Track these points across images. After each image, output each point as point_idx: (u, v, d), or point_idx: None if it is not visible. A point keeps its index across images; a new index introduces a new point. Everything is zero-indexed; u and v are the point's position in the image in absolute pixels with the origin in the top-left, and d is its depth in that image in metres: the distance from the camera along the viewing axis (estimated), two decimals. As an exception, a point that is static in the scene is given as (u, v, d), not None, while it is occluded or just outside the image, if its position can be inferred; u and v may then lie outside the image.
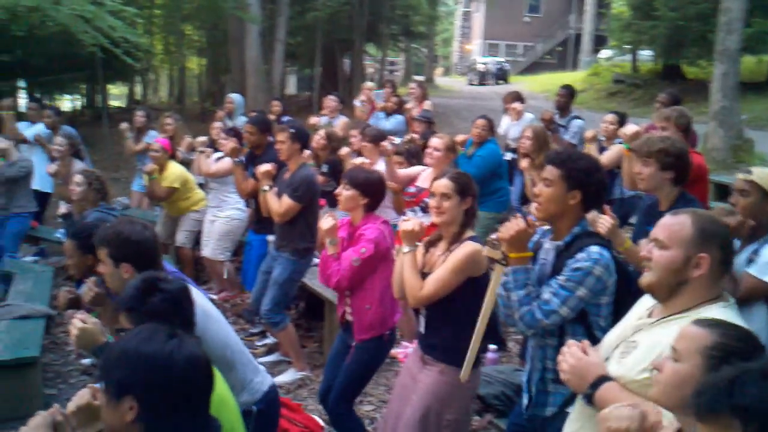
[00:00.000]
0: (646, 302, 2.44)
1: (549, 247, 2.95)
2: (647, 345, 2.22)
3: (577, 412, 2.50)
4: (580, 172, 2.84)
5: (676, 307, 2.23)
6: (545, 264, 2.93)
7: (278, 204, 5.26)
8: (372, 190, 4.03)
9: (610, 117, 6.86)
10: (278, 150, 5.42)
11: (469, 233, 3.38)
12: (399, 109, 9.12)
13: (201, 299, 2.96)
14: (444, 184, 3.41)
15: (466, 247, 3.28)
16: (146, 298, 2.35)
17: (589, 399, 2.25)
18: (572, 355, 2.32)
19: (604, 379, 2.24)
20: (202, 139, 7.15)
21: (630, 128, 4.94)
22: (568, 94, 8.46)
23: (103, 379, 1.86)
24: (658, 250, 2.25)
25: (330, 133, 6.97)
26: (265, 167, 5.35)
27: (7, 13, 11.29)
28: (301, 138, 5.43)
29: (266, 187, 5.33)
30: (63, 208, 6.20)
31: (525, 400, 3.07)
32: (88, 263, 3.68)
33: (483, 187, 6.28)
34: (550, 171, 2.88)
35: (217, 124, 8.06)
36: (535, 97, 23.96)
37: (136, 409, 1.79)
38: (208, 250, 6.98)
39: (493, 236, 3.06)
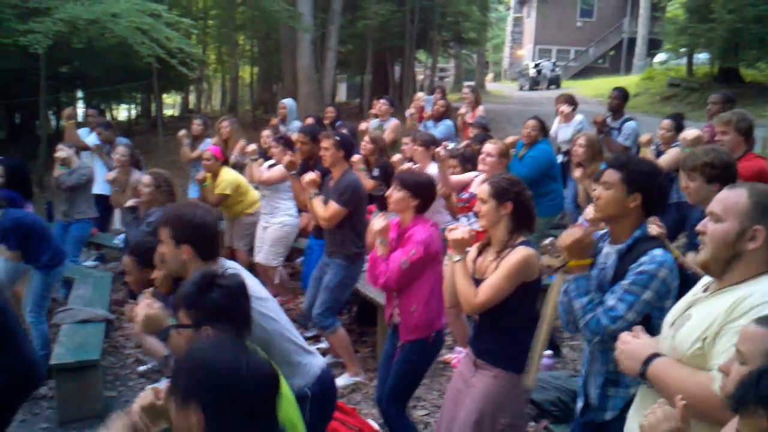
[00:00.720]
0: (701, 282, 2.43)
1: (609, 251, 2.93)
2: (701, 316, 2.21)
3: (638, 401, 2.48)
4: (640, 175, 2.83)
5: (730, 281, 2.22)
6: (605, 269, 2.91)
7: (324, 209, 5.32)
8: (422, 191, 4.05)
9: (667, 123, 6.70)
10: (322, 156, 5.49)
11: (521, 238, 3.35)
12: (446, 112, 9.11)
13: (254, 285, 3.00)
14: (481, 188, 3.45)
15: (518, 253, 3.25)
16: (205, 294, 2.39)
17: (643, 377, 2.27)
18: (624, 341, 2.33)
19: (655, 356, 2.24)
20: (253, 147, 7.24)
21: (691, 133, 4.84)
22: (621, 96, 8.27)
23: (173, 385, 1.89)
24: (713, 224, 2.24)
25: (375, 137, 6.98)
26: (310, 176, 5.42)
27: (68, 26, 11.62)
28: (346, 145, 5.48)
29: (312, 194, 5.40)
30: (131, 201, 6.36)
31: (580, 404, 3.05)
32: (146, 278, 3.81)
33: (535, 188, 6.23)
34: (610, 174, 2.87)
35: (266, 132, 8.15)
36: (587, 101, 23.64)
37: (203, 416, 1.81)
38: (261, 256, 7.06)
39: (546, 242, 3.04)
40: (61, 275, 6.25)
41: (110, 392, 5.68)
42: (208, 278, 2.43)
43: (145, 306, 2.73)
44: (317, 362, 3.22)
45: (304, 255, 6.77)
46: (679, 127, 6.59)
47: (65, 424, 5.19)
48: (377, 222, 4.01)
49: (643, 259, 2.72)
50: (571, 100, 8.36)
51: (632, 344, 2.31)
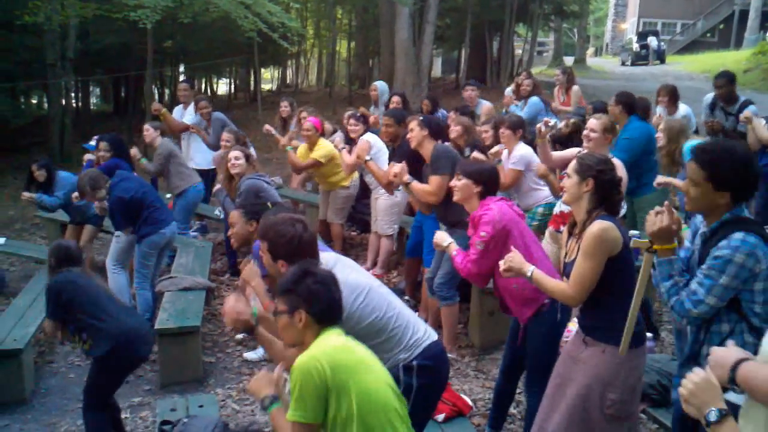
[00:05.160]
0: None
1: (701, 232, 2.91)
2: None
3: (743, 409, 2.35)
4: (727, 174, 2.71)
5: None
6: (696, 251, 2.89)
7: (425, 187, 5.37)
8: (483, 178, 4.13)
9: None
10: (409, 139, 5.59)
11: (599, 213, 3.24)
12: (533, 91, 8.79)
13: (347, 273, 3.12)
14: (570, 163, 3.44)
15: (592, 228, 3.16)
16: (299, 281, 2.63)
17: (733, 383, 2.14)
18: (712, 351, 2.22)
19: (743, 360, 2.12)
20: (348, 158, 7.25)
21: None
22: (727, 81, 7.34)
23: None
24: None
25: (460, 120, 6.82)
26: (394, 170, 5.49)
27: (175, 1, 11.95)
28: (431, 125, 5.54)
29: (407, 181, 5.46)
30: (216, 187, 6.60)
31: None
32: (250, 230, 4.26)
33: (639, 166, 5.98)
34: (695, 171, 2.76)
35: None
36: (693, 77, 22.70)
37: None
38: (377, 225, 7.36)
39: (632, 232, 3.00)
40: (158, 243, 6.29)
41: (209, 357, 5.86)
42: (303, 267, 2.71)
43: (232, 301, 3.06)
44: (425, 336, 3.25)
45: (411, 228, 6.75)
46: None
47: (166, 387, 5.39)
48: (436, 237, 4.26)
49: (721, 243, 2.69)
50: (672, 94, 7.74)
51: (719, 352, 2.19)
